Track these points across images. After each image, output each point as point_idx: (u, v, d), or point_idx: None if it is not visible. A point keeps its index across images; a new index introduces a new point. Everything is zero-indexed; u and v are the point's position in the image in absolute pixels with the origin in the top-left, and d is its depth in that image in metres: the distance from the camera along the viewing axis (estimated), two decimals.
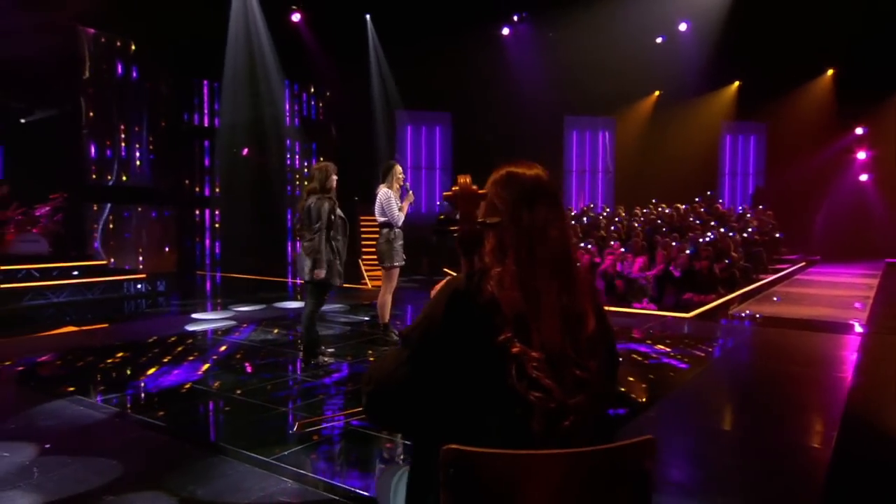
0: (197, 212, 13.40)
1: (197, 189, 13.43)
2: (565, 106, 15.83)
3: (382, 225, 5.58)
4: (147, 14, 10.58)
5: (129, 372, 4.70)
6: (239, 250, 12.82)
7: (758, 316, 7.74)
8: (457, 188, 1.38)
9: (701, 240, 10.50)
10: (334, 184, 4.96)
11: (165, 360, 5.08)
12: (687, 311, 8.06)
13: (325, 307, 7.12)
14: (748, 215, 14.04)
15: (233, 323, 6.75)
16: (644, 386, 4.55)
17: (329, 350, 5.35)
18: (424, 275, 11.38)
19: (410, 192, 5.68)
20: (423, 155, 17.02)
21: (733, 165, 18.33)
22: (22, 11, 9.35)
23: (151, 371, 4.73)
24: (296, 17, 13.12)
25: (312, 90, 15.12)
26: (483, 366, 1.23)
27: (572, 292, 1.29)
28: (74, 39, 10.80)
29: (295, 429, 3.48)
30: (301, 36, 13.22)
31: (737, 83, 16.80)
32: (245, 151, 13.87)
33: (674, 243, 9.84)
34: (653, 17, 14.22)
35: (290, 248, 14.14)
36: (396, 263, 5.53)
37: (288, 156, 14.46)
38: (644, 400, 4.19)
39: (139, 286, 8.95)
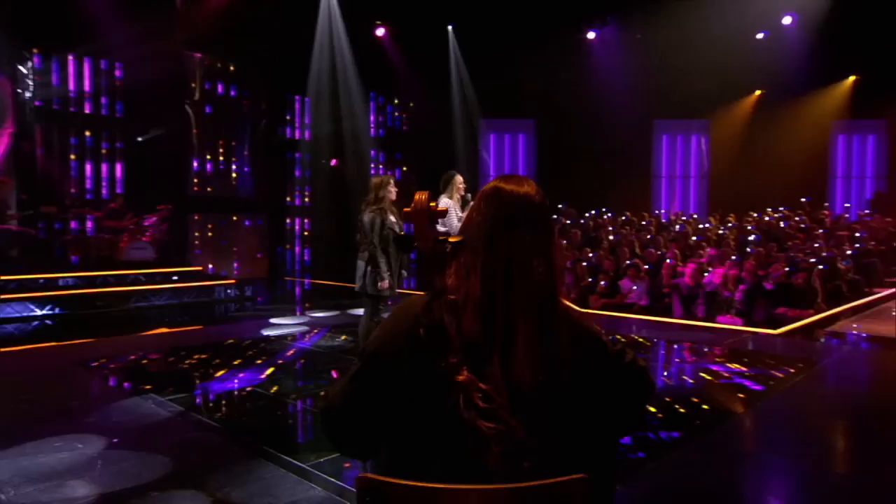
0: (288, 220, 14.09)
1: (288, 199, 14.10)
2: (655, 109, 15.21)
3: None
4: (244, 37, 11.30)
5: (200, 373, 5.01)
6: (326, 257, 13.30)
7: (866, 334, 7.05)
8: (411, 206, 1.32)
9: (802, 251, 9.72)
10: (389, 195, 5.04)
11: (235, 363, 5.38)
12: (777, 328, 7.49)
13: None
14: (863, 221, 12.82)
15: (305, 328, 7.04)
16: (706, 407, 4.27)
17: None
18: None
19: (471, 203, 5.67)
20: (507, 163, 16.97)
21: (847, 168, 16.80)
22: (139, 42, 10.28)
23: (220, 373, 5.02)
24: (380, 32, 13.53)
25: (396, 101, 15.49)
26: (427, 393, 1.18)
27: (554, 333, 1.20)
28: (182, 64, 11.69)
29: None
30: (385, 49, 13.62)
31: (852, 78, 15.41)
32: (334, 162, 14.39)
33: (769, 253, 9.17)
34: (753, 12, 13.39)
35: None
36: None
37: (373, 166, 14.87)
38: (698, 423, 3.94)
39: (229, 291, 9.52)
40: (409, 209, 1.31)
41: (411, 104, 15.52)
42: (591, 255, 10.02)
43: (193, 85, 12.06)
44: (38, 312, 7.75)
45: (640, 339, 6.69)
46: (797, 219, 12.62)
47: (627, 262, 9.27)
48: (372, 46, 13.40)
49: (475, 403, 1.15)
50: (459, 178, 5.74)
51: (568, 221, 12.94)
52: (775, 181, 14.58)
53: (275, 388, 4.60)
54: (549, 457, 1.16)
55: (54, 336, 6.72)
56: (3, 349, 6.09)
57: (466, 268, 1.24)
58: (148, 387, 4.54)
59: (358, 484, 1.12)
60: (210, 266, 11.55)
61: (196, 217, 12.06)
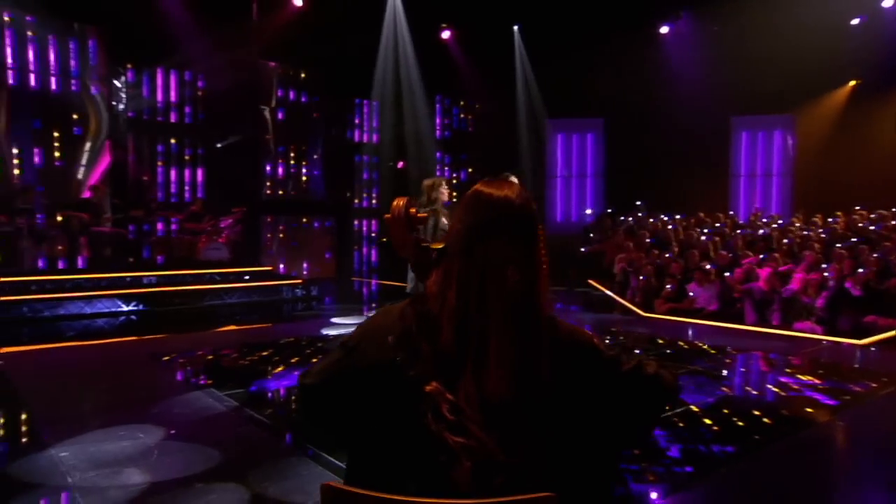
0: (356, 222, 14.42)
1: (356, 201, 14.44)
2: (732, 105, 14.45)
3: None
4: (313, 44, 11.66)
5: (259, 370, 5.21)
6: (393, 258, 13.50)
7: None
8: (389, 212, 1.31)
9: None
10: (442, 197, 5.08)
11: (293, 360, 5.56)
12: (863, 337, 6.95)
13: None
14: None
15: None
16: (767, 421, 4.02)
17: None
18: (569, 287, 11.13)
19: None
20: (575, 163, 16.64)
21: None
22: (218, 53, 10.87)
23: (277, 370, 5.21)
24: (445, 34, 13.61)
25: (461, 103, 15.53)
26: (398, 402, 1.16)
27: (532, 345, 1.15)
28: (258, 72, 12.22)
29: None
30: (450, 51, 13.69)
31: None
32: (400, 164, 14.59)
33: (858, 256, 8.52)
34: None
35: None
36: None
37: (438, 167, 14.98)
38: (757, 437, 3.71)
39: (296, 290, 9.85)
40: (388, 215, 1.31)
41: (476, 106, 15.53)
42: (666, 256, 9.68)
43: (268, 92, 12.53)
44: (124, 308, 8.31)
45: (705, 347, 6.39)
46: (894, 221, 11.64)
47: (698, 265, 8.88)
48: (437, 49, 13.51)
49: (443, 415, 1.12)
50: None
51: (633, 221, 12.56)
52: (869, 179, 13.51)
53: None
54: (525, 473, 1.12)
55: (136, 330, 7.23)
56: (93, 342, 6.59)
57: (446, 276, 1.21)
58: (209, 382, 4.76)
59: (322, 493, 1.13)
60: (281, 266, 12.03)
61: (269, 219, 12.52)
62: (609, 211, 14.52)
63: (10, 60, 9.53)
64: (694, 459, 3.35)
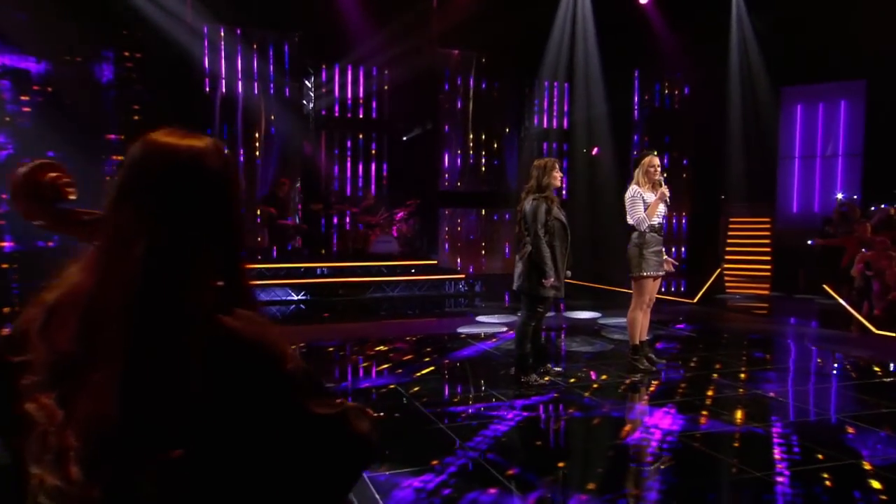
0: None
1: None
2: None
3: (631, 228, 4.98)
4: (492, 25, 11.55)
5: (366, 366, 5.26)
6: (582, 254, 12.80)
7: None
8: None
9: None
10: (555, 182, 4.64)
11: (405, 358, 5.51)
12: None
13: (611, 319, 6.71)
14: None
15: (502, 329, 6.91)
16: None
17: (556, 369, 4.97)
18: (802, 293, 9.51)
19: (664, 187, 4.85)
20: (819, 139, 14.06)
21: None
22: (398, 44, 11.38)
23: (384, 367, 5.20)
24: (643, 0, 12.46)
25: (664, 78, 14.10)
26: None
27: (164, 355, 0.85)
28: (437, 61, 12.49)
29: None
30: (648, 17, 12.50)
31: None
32: (595, 150, 13.81)
33: None
34: None
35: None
36: (646, 273, 4.88)
37: (635, 152, 13.85)
38: None
39: (460, 286, 9.89)
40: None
41: (681, 80, 13.97)
42: None
43: (449, 80, 12.81)
44: (294, 297, 9.14)
45: None
46: None
47: None
48: (632, 17, 12.43)
49: (44, 445, 0.89)
50: (650, 160, 5.03)
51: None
52: None
53: (417, 389, 4.56)
54: None
55: (300, 319, 7.91)
56: None
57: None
58: None
59: None
60: (458, 260, 12.21)
61: (446, 212, 12.79)
62: (855, 197, 11.98)
63: (222, 71, 11.09)
64: None
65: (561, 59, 12.91)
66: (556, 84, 13.73)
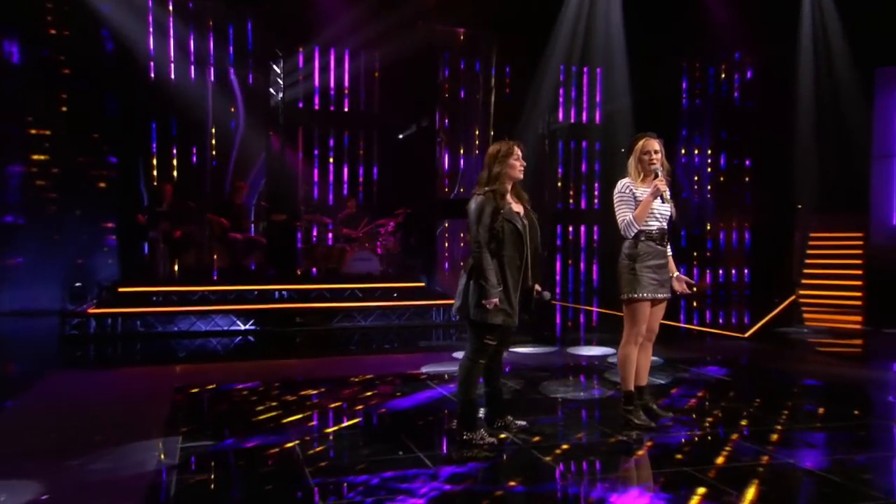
0: (571, 228, 13.43)
1: (571, 201, 13.47)
2: None
3: (622, 236, 4.42)
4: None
5: (273, 416, 4.74)
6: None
7: None
8: None
9: None
10: (513, 172, 4.12)
11: (332, 405, 5.01)
12: None
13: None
14: None
15: None
16: None
17: (519, 423, 4.35)
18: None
19: (660, 179, 4.25)
20: None
21: None
22: (383, 19, 10.99)
23: (296, 417, 4.67)
24: None
25: (718, 60, 13.46)
26: None
27: None
28: (435, 40, 12.13)
29: None
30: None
31: None
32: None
33: None
34: None
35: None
36: (640, 295, 4.30)
37: (683, 152, 13.20)
38: None
39: (453, 315, 9.26)
40: None
41: (742, 61, 13.27)
42: None
43: (448, 65, 12.54)
44: (241, 327, 8.70)
45: None
46: None
47: None
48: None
49: None
50: (646, 143, 4.48)
51: None
52: None
53: (317, 450, 3.99)
54: None
55: (242, 353, 7.61)
56: (160, 366, 6.96)
57: None
58: (184, 429, 4.39)
59: None
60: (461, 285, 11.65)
61: (446, 224, 12.34)
62: None
63: (170, 54, 10.88)
64: None
65: (592, 39, 12.45)
66: (585, 70, 13.42)
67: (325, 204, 12.29)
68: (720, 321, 10.42)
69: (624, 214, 4.32)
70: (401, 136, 12.66)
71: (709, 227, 13.59)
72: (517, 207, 4.13)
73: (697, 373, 6.26)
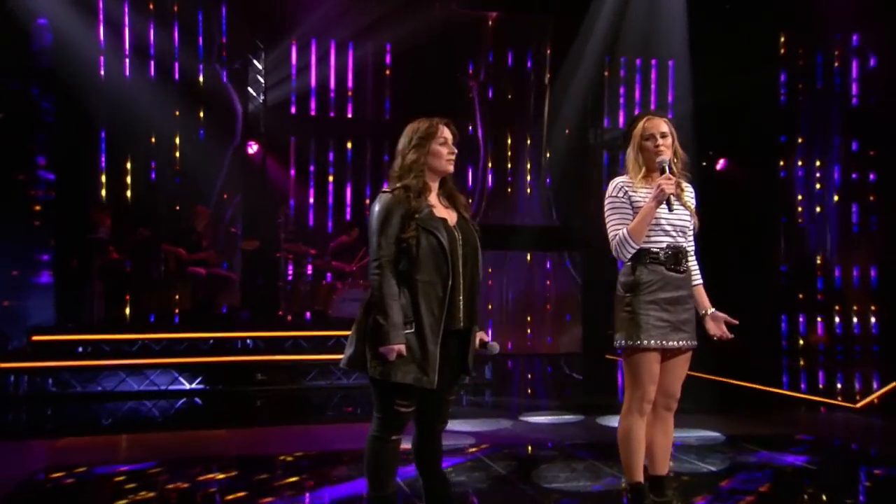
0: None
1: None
2: None
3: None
4: None
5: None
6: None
7: None
8: None
9: None
10: (437, 161, 3.53)
11: (235, 497, 4.51)
12: None
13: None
14: None
15: (467, 442, 6.00)
16: None
17: None
18: None
19: (667, 177, 3.64)
20: None
21: None
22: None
23: None
24: None
25: (829, 44, 12.75)
26: None
27: None
28: (454, 28, 11.87)
29: None
30: None
31: None
32: (721, 163, 12.94)
33: None
34: None
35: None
36: (643, 343, 3.68)
37: (782, 164, 12.57)
38: None
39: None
40: None
41: (862, 45, 12.52)
42: None
43: (472, 58, 12.34)
44: (186, 387, 8.32)
45: None
46: None
47: None
48: None
49: None
50: (643, 125, 3.85)
51: None
52: None
53: None
54: None
55: (181, 422, 7.38)
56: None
57: None
58: None
59: None
60: (489, 334, 11.32)
61: None
62: None
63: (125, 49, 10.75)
64: None
65: (656, 22, 11.97)
66: (653, 62, 13.01)
67: (324, 231, 11.98)
68: (823, 385, 9.79)
69: (616, 228, 3.68)
70: None
71: (819, 262, 12.75)
72: (444, 213, 3.47)
73: (768, 457, 5.57)
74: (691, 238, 3.79)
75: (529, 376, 10.54)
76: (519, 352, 11.68)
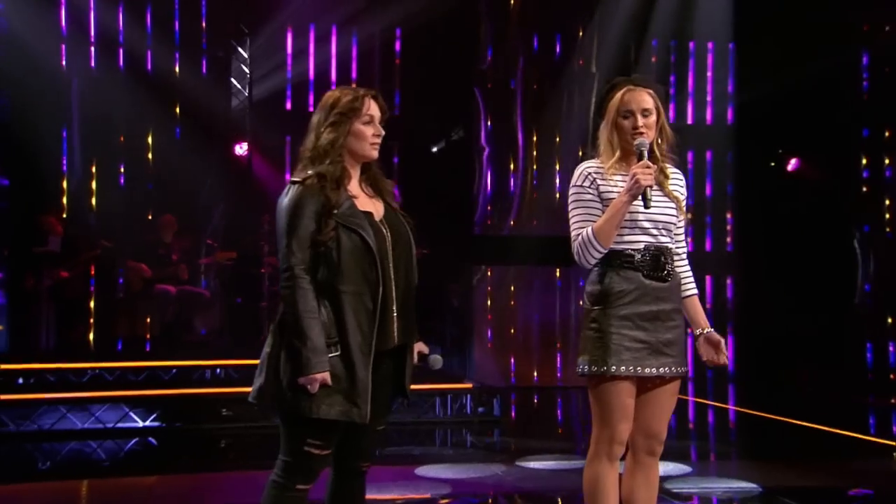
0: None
1: (690, 239, 12.60)
2: None
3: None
4: None
5: None
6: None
7: None
8: None
9: None
10: (358, 145, 3.34)
11: None
12: None
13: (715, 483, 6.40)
14: None
15: (443, 492, 5.92)
16: None
17: None
18: None
19: (644, 164, 3.40)
20: None
21: None
22: None
23: None
24: None
25: None
26: None
27: None
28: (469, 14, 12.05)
29: None
30: None
31: None
32: (793, 163, 13.05)
33: None
34: None
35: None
36: (606, 369, 3.41)
37: (865, 162, 12.42)
38: None
39: (463, 403, 8.97)
40: None
41: None
42: None
43: (492, 46, 12.44)
44: (139, 424, 8.20)
45: None
46: None
47: None
48: None
49: None
50: (620, 96, 3.62)
51: None
52: None
53: None
54: None
55: (132, 465, 7.41)
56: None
57: None
58: None
59: None
60: (511, 360, 11.96)
61: (489, 273, 12.27)
62: None
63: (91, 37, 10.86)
64: None
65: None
66: (709, 46, 13.14)
67: None
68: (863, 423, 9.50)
69: (579, 227, 3.39)
70: (434, 150, 12.68)
71: None
72: (368, 205, 3.21)
73: None
74: (680, 236, 3.52)
75: (550, 413, 10.50)
76: (545, 384, 11.73)
